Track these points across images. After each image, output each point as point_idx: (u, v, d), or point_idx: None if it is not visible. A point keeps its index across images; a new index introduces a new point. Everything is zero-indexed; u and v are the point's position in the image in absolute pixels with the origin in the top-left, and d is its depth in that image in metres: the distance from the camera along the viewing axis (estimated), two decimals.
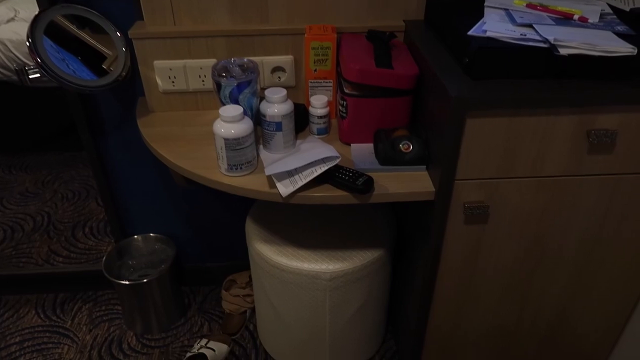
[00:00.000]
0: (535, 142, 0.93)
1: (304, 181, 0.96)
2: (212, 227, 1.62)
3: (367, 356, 1.46)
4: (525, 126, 0.90)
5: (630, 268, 1.14)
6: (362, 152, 1.08)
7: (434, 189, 0.99)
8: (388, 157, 1.02)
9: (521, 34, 0.90)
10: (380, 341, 1.50)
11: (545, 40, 0.87)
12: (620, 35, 0.91)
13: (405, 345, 1.36)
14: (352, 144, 1.12)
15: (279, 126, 1.05)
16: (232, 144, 0.97)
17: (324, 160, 0.98)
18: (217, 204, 1.56)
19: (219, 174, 1.03)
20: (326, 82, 1.18)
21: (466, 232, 1.04)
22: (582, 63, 0.88)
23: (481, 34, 0.92)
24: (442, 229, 1.03)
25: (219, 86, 1.03)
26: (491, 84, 0.89)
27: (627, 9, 1.03)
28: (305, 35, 1.12)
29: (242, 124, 0.98)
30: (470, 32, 0.93)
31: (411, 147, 1.01)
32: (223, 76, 1.02)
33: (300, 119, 1.17)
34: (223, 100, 1.04)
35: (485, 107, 0.87)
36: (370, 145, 1.10)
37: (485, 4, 1.06)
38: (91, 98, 1.33)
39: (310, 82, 1.18)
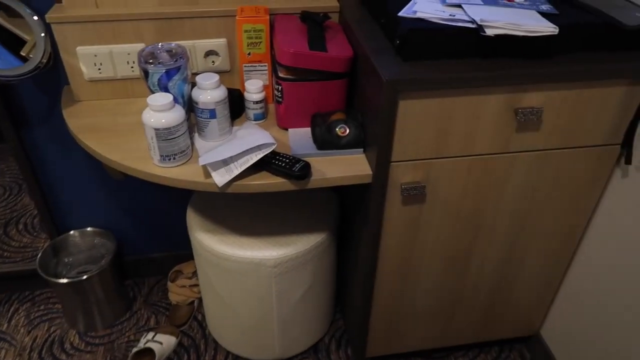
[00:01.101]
0: (466, 121, 0.94)
1: (240, 169, 0.94)
2: (154, 217, 1.57)
3: (318, 337, 1.48)
4: (456, 106, 0.92)
5: (559, 237, 1.20)
6: (300, 137, 1.07)
7: (371, 172, 0.99)
8: (325, 141, 1.01)
9: (450, 15, 0.91)
10: (329, 321, 1.52)
11: (473, 21, 0.88)
12: (544, 14, 0.93)
13: (353, 323, 1.38)
14: (289, 129, 1.10)
15: (212, 113, 1.02)
16: (163, 134, 0.94)
17: (259, 148, 0.96)
18: (157, 193, 1.51)
19: (152, 165, 1.00)
20: (261, 66, 1.15)
21: (405, 212, 1.06)
22: (509, 43, 0.90)
23: (411, 15, 0.91)
24: (381, 210, 1.04)
25: (146, 73, 0.98)
26: (422, 65, 0.89)
27: None
28: (237, 17, 1.08)
29: (173, 112, 0.94)
30: (400, 13, 0.92)
31: (348, 131, 1.01)
32: (150, 63, 0.97)
33: (236, 104, 1.14)
34: (152, 88, 1.00)
35: (416, 89, 0.88)
36: (308, 130, 1.09)
37: None
38: (11, 87, 1.25)
39: (245, 66, 1.15)
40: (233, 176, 0.94)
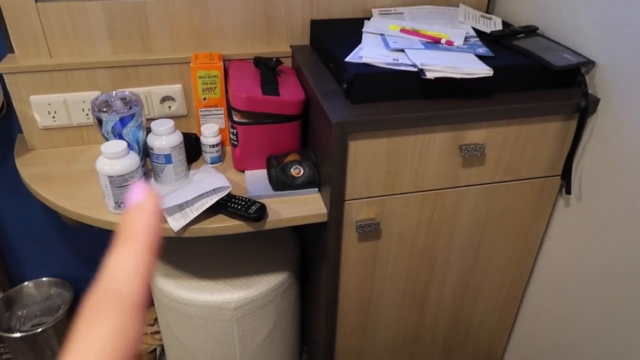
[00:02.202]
0: (414, 159, 0.98)
1: (195, 214, 0.95)
2: None
3: None
4: (403, 145, 0.96)
5: (512, 266, 1.24)
6: (256, 179, 1.09)
7: (326, 211, 1.02)
8: (280, 182, 1.03)
9: (394, 59, 0.96)
10: None
11: (414, 65, 0.93)
12: (480, 57, 0.99)
13: None
14: (246, 171, 1.12)
15: (168, 158, 1.03)
16: (117, 180, 0.94)
17: (215, 191, 0.97)
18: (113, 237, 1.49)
19: (107, 212, 0.99)
20: (217, 110, 1.17)
21: (361, 248, 1.08)
22: (449, 84, 0.95)
23: (357, 60, 0.96)
24: (338, 247, 1.06)
25: (100, 122, 0.99)
26: (369, 107, 0.93)
27: (489, 32, 1.13)
28: (191, 64, 1.11)
29: (127, 159, 0.95)
30: (347, 59, 0.97)
31: (302, 172, 1.04)
32: (104, 111, 0.98)
33: (193, 148, 1.15)
34: (106, 135, 1.00)
35: (364, 130, 0.91)
36: (264, 172, 1.11)
37: (364, 29, 1.11)
38: None
39: (201, 110, 1.17)
40: (188, 220, 0.94)
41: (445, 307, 1.27)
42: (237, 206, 0.97)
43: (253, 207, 0.96)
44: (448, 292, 1.24)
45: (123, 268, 0.20)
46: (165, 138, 1.02)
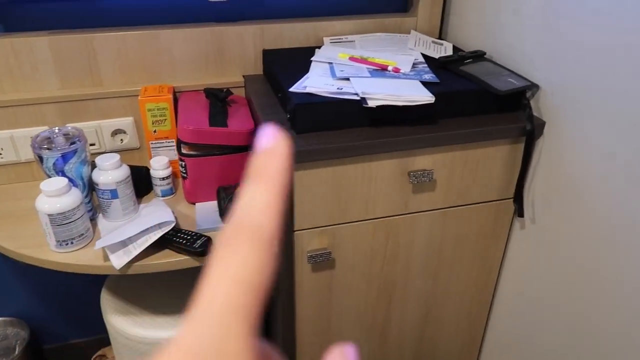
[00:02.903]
0: (363, 187, 0.98)
1: (138, 250, 0.92)
2: (69, 301, 1.50)
3: None
4: (350, 173, 0.95)
5: (473, 291, 1.23)
6: (206, 211, 1.07)
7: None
8: (229, 213, 1.02)
9: (338, 88, 0.96)
10: None
11: (357, 93, 0.93)
12: (426, 83, 1.00)
13: None
14: (197, 203, 1.10)
15: (114, 194, 1.01)
16: (58, 219, 0.92)
17: (159, 226, 0.95)
18: (70, 275, 1.45)
19: (49, 251, 0.96)
20: (168, 142, 1.16)
21: (316, 279, 1.06)
22: (393, 111, 0.95)
23: (301, 90, 0.96)
24: (291, 279, 1.04)
25: (40, 159, 0.97)
26: (314, 137, 0.93)
27: (437, 57, 1.14)
28: (139, 97, 1.10)
29: (68, 196, 0.93)
30: (292, 89, 0.97)
31: None
32: (45, 148, 0.96)
33: (144, 181, 1.13)
34: (48, 172, 0.98)
35: (310, 160, 0.90)
36: (215, 203, 1.09)
37: (313, 58, 1.12)
38: None
39: (152, 143, 1.15)
40: (131, 257, 0.92)
41: (409, 334, 1.25)
42: (183, 240, 0.95)
43: (199, 241, 0.94)
44: (410, 319, 1.22)
45: (256, 203, 0.19)
46: (110, 173, 1.00)
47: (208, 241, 0.95)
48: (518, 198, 1.07)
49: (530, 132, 0.99)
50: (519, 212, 1.07)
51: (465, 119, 1.01)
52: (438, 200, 1.05)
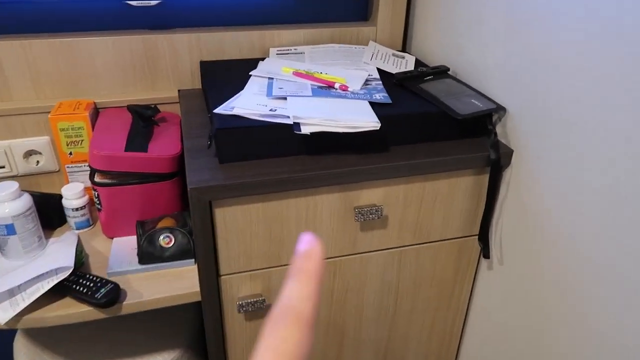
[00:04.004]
0: (300, 224, 0.83)
1: (27, 302, 0.77)
2: None
3: None
4: (284, 210, 0.81)
5: (436, 337, 1.09)
6: (123, 249, 0.92)
7: (198, 289, 0.85)
8: (146, 254, 0.87)
9: (271, 109, 0.82)
10: None
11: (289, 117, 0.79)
12: (376, 104, 0.86)
13: None
14: (115, 239, 0.95)
15: (10, 229, 0.86)
16: None
17: (56, 271, 0.80)
18: None
19: None
20: (87, 166, 1.01)
21: (250, 328, 0.92)
22: (334, 138, 0.82)
23: (228, 111, 0.82)
24: (220, 329, 0.89)
25: None
26: (240, 168, 0.78)
27: (394, 72, 1.00)
28: (50, 115, 0.95)
29: None
30: (217, 109, 0.82)
31: (173, 241, 0.88)
32: None
33: (59, 211, 0.99)
34: None
35: (232, 195, 0.76)
36: (135, 239, 0.95)
37: (253, 72, 0.98)
38: None
39: (68, 167, 1.01)
40: (18, 311, 0.77)
41: None
42: (84, 289, 0.80)
43: (103, 290, 0.80)
44: None
45: (298, 293, 0.23)
46: (7, 205, 0.85)
47: (114, 290, 0.80)
48: (483, 237, 0.93)
49: (495, 161, 0.86)
50: (484, 253, 0.94)
51: (421, 146, 0.87)
52: (390, 239, 0.91)
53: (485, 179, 0.90)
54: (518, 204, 0.88)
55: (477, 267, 1.02)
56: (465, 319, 1.09)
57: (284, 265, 0.87)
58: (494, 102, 0.89)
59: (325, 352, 1.02)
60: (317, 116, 0.78)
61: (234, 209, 0.78)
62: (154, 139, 0.94)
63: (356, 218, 0.84)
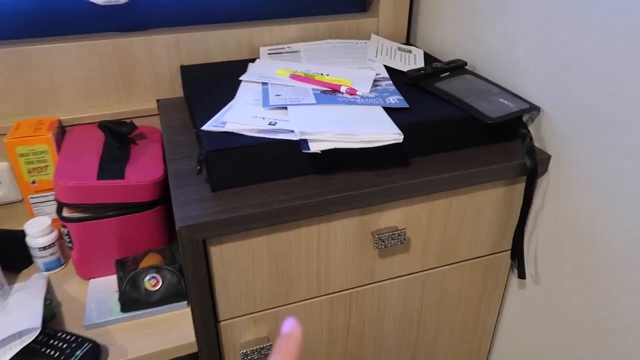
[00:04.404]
0: (311, 256, 0.71)
1: None
2: None
3: None
4: (292, 241, 0.68)
5: (458, 358, 0.98)
6: (101, 293, 0.79)
7: (194, 339, 0.72)
8: (129, 300, 0.74)
9: (270, 123, 0.69)
10: None
11: (293, 132, 0.66)
12: (391, 109, 0.73)
13: None
14: (91, 280, 0.82)
15: None
16: None
17: (20, 334, 0.66)
18: None
19: None
20: (53, 196, 0.87)
21: None
22: (348, 154, 0.69)
23: (219, 128, 0.68)
24: None
25: None
26: (236, 196, 0.65)
27: (405, 70, 0.88)
28: (6, 138, 0.81)
29: None
30: (205, 126, 0.69)
31: (160, 282, 0.75)
32: None
33: (23, 250, 0.84)
34: None
35: (230, 231, 0.63)
36: (115, 279, 0.81)
37: (243, 77, 0.84)
38: None
39: (31, 197, 0.86)
40: None
41: None
42: (56, 352, 0.66)
43: (79, 352, 0.66)
44: None
45: None
46: None
47: (92, 352, 0.67)
48: (516, 254, 0.82)
49: (531, 170, 0.74)
50: (520, 273, 0.82)
51: (444, 156, 0.75)
52: (413, 263, 0.79)
53: (517, 188, 0.79)
54: (556, 216, 0.77)
55: (506, 286, 0.91)
56: (492, 342, 0.99)
57: (293, 303, 0.74)
58: (525, 101, 0.77)
59: None
60: (327, 130, 0.65)
61: (233, 246, 0.66)
62: (132, 161, 0.80)
63: (376, 245, 0.72)
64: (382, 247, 0.72)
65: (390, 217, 0.72)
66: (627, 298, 0.67)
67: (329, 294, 0.76)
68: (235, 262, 0.67)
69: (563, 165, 0.74)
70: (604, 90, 0.65)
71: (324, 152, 0.65)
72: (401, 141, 0.65)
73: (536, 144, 0.78)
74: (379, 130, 0.66)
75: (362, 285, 0.78)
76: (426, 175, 0.70)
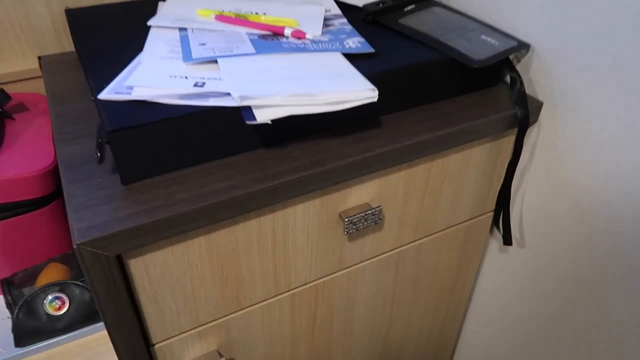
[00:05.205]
0: (265, 251, 0.56)
1: None
2: None
3: None
4: (239, 237, 0.53)
5: (433, 329, 0.89)
6: None
7: None
8: (26, 331, 0.55)
9: (196, 84, 0.50)
10: None
11: (230, 95, 0.49)
12: (352, 56, 0.57)
13: None
14: None
15: None
16: None
17: None
18: None
19: None
20: None
21: None
22: (305, 119, 0.53)
23: (124, 96, 0.49)
24: None
25: None
26: (157, 188, 0.48)
27: (361, 4, 0.71)
28: None
29: None
30: (103, 94, 0.49)
31: (68, 303, 0.57)
32: None
33: None
34: None
35: (154, 239, 0.46)
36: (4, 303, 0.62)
37: (152, 21, 0.63)
38: None
39: None
40: None
41: None
42: None
43: None
44: None
45: None
46: None
47: None
48: (502, 217, 0.71)
49: (522, 120, 0.62)
50: (505, 239, 0.72)
51: (421, 112, 0.61)
52: (387, 241, 0.66)
53: (503, 143, 0.66)
54: (547, 173, 0.66)
55: (484, 250, 0.81)
56: (466, 310, 0.90)
57: (247, 307, 0.60)
58: (512, 37, 0.63)
59: None
60: (277, 91, 0.48)
61: (161, 255, 0.49)
62: (8, 144, 0.59)
63: (346, 230, 0.57)
64: (354, 231, 0.58)
65: (361, 193, 0.58)
66: (624, 265, 0.58)
67: (290, 291, 0.62)
68: (167, 274, 0.50)
69: (557, 114, 0.62)
70: (606, 24, 0.52)
71: (275, 121, 0.49)
72: (376, 99, 0.49)
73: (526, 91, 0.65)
74: (346, 87, 0.50)
75: (329, 275, 0.64)
76: (404, 140, 0.55)
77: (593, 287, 0.64)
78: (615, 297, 0.61)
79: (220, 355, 0.61)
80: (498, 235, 0.78)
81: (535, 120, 0.65)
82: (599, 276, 0.63)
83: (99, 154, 0.47)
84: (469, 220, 0.73)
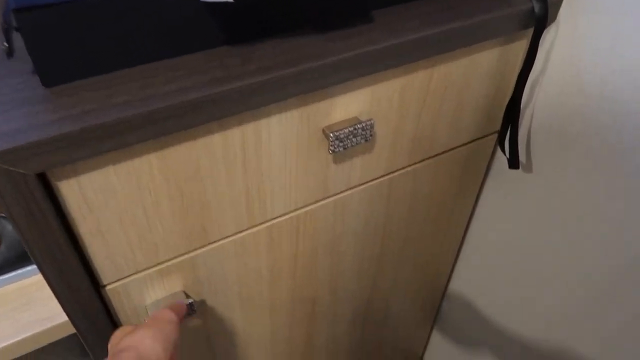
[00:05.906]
0: (235, 173, 0.46)
1: None
2: None
3: None
4: (201, 154, 0.43)
5: (425, 266, 0.83)
6: None
7: (66, 318, 0.48)
8: None
9: None
10: None
11: None
12: None
13: None
14: None
15: None
16: None
17: None
18: None
19: None
20: None
21: (184, 344, 0.58)
22: (278, 5, 0.42)
23: None
24: None
25: None
26: (89, 90, 0.37)
27: None
28: None
29: None
30: None
31: None
32: None
33: None
34: None
35: (90, 153, 0.36)
36: None
37: None
38: None
39: None
40: None
41: (344, 345, 0.84)
42: None
43: None
44: (342, 330, 0.81)
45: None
46: None
47: None
48: (510, 137, 0.62)
49: (540, 17, 0.52)
50: (512, 162, 0.63)
51: (421, 3, 0.50)
52: (379, 165, 0.57)
53: (513, 48, 0.56)
54: (564, 84, 0.56)
55: (485, 176, 0.73)
56: (463, 239, 0.83)
57: (216, 242, 0.51)
58: None
59: (292, 330, 0.71)
60: None
61: (101, 176, 0.39)
62: None
63: (331, 148, 0.48)
64: (341, 149, 0.49)
65: (349, 105, 0.48)
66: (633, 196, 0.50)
67: (266, 222, 0.53)
68: (111, 200, 0.41)
69: (580, 11, 0.52)
70: None
71: (239, 8, 0.38)
72: None
73: None
74: None
75: (312, 204, 0.55)
76: (404, 34, 0.45)
77: (609, 215, 0.57)
78: (631, 227, 0.54)
79: (187, 297, 0.53)
80: (500, 160, 0.70)
81: (554, 18, 0.55)
82: (616, 202, 0.55)
83: (5, 44, 0.36)
84: (470, 142, 0.64)
